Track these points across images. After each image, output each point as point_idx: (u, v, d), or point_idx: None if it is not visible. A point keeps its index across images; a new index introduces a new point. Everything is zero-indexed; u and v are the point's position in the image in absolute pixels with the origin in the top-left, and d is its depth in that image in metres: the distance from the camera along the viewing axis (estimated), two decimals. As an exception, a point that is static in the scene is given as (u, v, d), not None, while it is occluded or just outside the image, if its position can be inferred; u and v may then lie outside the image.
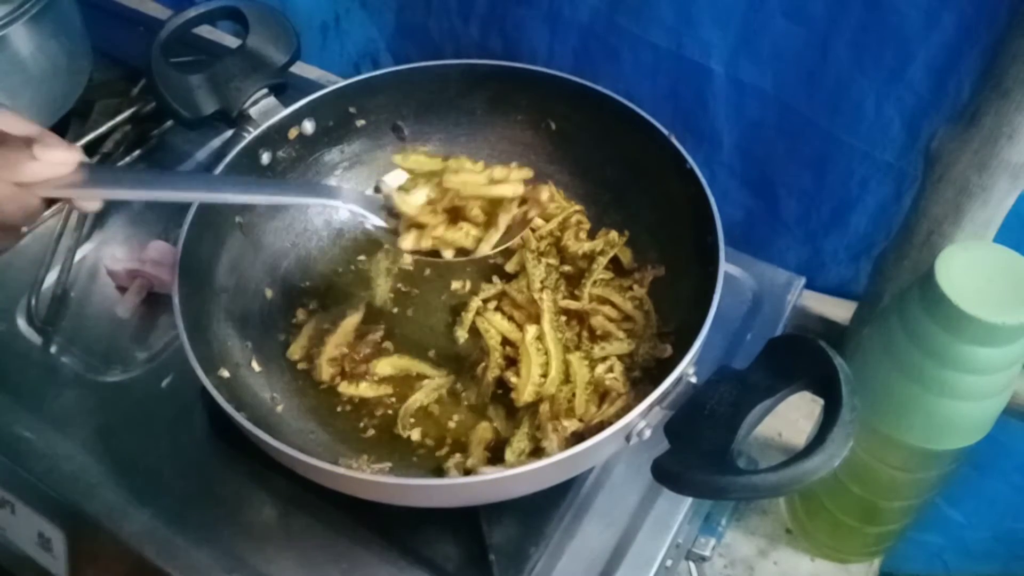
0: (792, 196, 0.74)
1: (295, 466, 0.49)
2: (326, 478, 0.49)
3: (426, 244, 0.54)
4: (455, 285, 0.68)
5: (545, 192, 0.55)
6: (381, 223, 0.54)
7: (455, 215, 0.55)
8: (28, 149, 0.44)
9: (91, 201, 0.47)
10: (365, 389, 0.61)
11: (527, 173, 0.56)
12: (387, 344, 0.64)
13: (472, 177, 0.54)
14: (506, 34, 0.81)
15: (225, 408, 0.49)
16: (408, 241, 0.53)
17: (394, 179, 0.56)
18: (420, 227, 0.54)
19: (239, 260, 0.63)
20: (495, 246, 0.54)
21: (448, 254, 0.54)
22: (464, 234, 0.54)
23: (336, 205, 0.54)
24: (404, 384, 0.62)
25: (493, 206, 0.55)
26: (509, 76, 0.68)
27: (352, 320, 0.64)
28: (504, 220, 0.54)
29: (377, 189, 0.56)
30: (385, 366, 0.62)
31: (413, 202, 0.54)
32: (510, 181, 0.55)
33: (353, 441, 0.60)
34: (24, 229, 0.47)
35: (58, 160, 0.45)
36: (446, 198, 0.54)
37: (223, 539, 0.58)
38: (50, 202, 0.47)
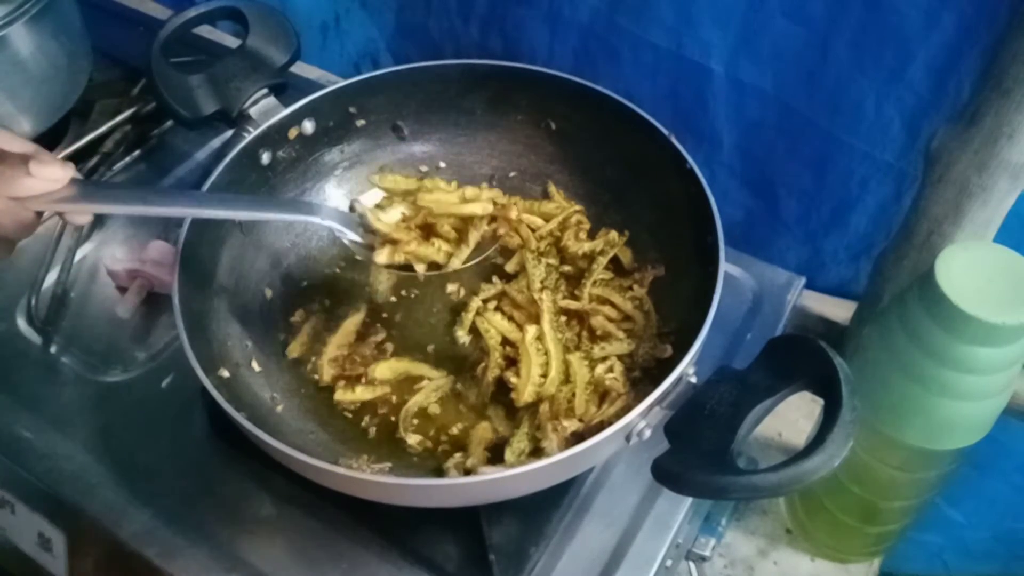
0: (792, 196, 0.74)
1: (295, 466, 0.49)
2: (326, 478, 0.49)
3: (399, 259, 0.57)
4: (450, 288, 0.67)
5: (514, 211, 0.59)
6: (357, 239, 0.57)
7: (428, 232, 0.58)
8: (24, 165, 0.46)
9: (82, 215, 0.50)
10: (362, 393, 0.61)
11: (497, 194, 0.59)
12: (387, 344, 0.64)
13: (444, 196, 0.58)
14: (506, 34, 0.81)
15: (225, 408, 0.49)
16: (383, 256, 0.56)
17: (369, 198, 0.60)
18: (394, 243, 0.57)
19: (239, 260, 0.63)
20: (465, 261, 0.58)
21: (421, 268, 0.57)
22: (436, 249, 0.58)
23: (315, 222, 0.56)
24: (403, 383, 0.62)
25: (464, 224, 0.58)
26: (509, 76, 0.68)
27: (353, 320, 0.64)
28: (474, 237, 0.58)
29: (352, 208, 0.58)
30: (384, 370, 0.62)
31: (387, 220, 0.57)
32: (480, 200, 0.58)
33: (353, 441, 0.60)
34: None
35: (52, 176, 0.47)
36: (420, 216, 0.58)
37: (223, 539, 0.58)
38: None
